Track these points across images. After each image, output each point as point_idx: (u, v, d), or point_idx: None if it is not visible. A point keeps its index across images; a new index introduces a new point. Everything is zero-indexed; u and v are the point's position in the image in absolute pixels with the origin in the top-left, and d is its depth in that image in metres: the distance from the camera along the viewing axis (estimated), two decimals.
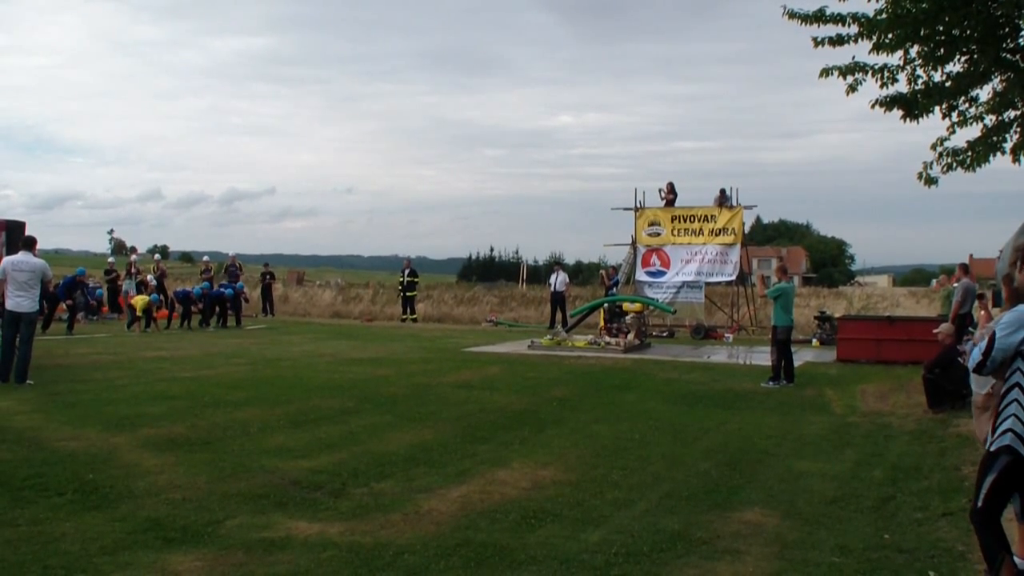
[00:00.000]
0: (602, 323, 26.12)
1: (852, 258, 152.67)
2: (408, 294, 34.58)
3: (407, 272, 34.56)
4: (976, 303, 14.47)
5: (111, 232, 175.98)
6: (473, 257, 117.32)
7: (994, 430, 5.28)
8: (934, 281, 27.10)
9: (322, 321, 29.73)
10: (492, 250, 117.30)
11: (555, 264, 35.72)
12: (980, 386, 7.72)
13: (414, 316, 34.46)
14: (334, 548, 6.60)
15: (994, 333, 5.20)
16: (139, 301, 26.93)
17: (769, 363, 17.31)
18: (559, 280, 31.77)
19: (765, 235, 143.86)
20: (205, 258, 37.97)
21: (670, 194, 30.25)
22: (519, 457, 10.01)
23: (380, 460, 9.64)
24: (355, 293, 43.36)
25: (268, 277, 36.07)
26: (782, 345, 16.69)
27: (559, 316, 31.11)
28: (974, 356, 5.30)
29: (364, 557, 6.40)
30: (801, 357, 21.14)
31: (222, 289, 30.12)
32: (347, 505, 7.86)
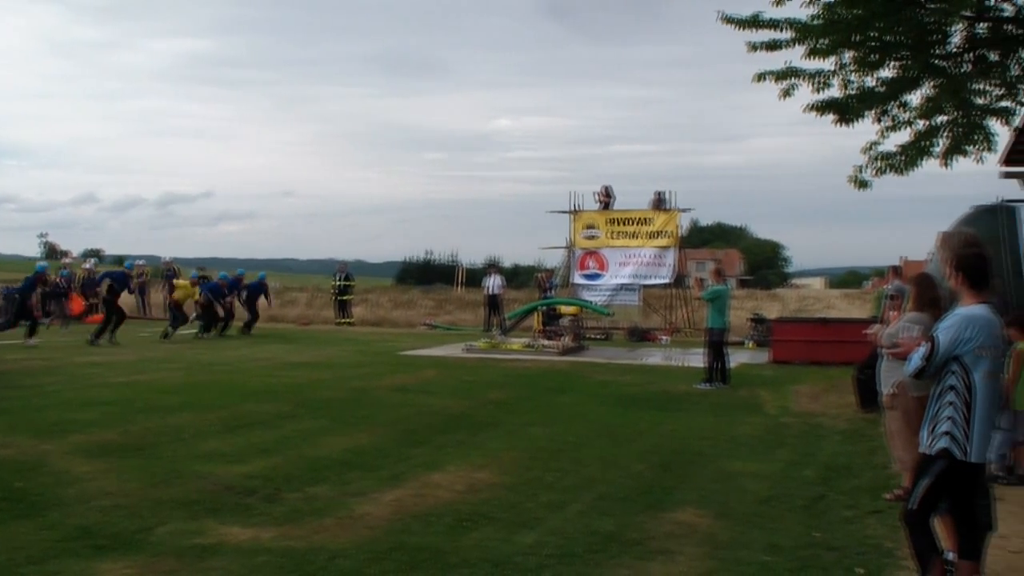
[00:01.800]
0: (538, 326, 26.20)
1: (787, 260, 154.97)
2: (343, 298, 34.41)
3: (342, 276, 34.43)
4: (887, 302, 14.76)
5: (43, 236, 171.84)
6: (410, 260, 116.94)
7: (930, 432, 5.35)
8: (867, 283, 27.56)
9: (258, 325, 29.38)
10: (429, 253, 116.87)
11: (490, 267, 35.50)
12: (916, 389, 7.86)
13: (350, 320, 34.26)
14: (267, 553, 6.56)
15: (936, 339, 5.28)
16: (182, 287, 26.29)
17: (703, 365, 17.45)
18: (495, 283, 31.74)
19: (702, 237, 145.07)
20: (140, 262, 37.42)
21: (606, 197, 30.39)
22: (454, 460, 10.02)
23: (314, 465, 9.60)
24: (291, 297, 43.03)
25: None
26: (716, 347, 16.85)
27: (495, 319, 31.10)
28: (914, 362, 5.34)
29: (297, 562, 6.38)
30: (736, 359, 21.33)
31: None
32: (281, 510, 7.82)
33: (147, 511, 7.66)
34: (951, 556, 5.49)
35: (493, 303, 31.68)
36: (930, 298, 7.82)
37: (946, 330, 5.29)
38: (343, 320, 34.02)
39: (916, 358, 5.35)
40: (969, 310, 5.32)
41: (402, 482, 8.94)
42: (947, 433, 5.26)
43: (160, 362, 19.29)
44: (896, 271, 19.80)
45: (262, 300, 29.85)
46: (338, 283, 34.64)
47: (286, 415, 12.78)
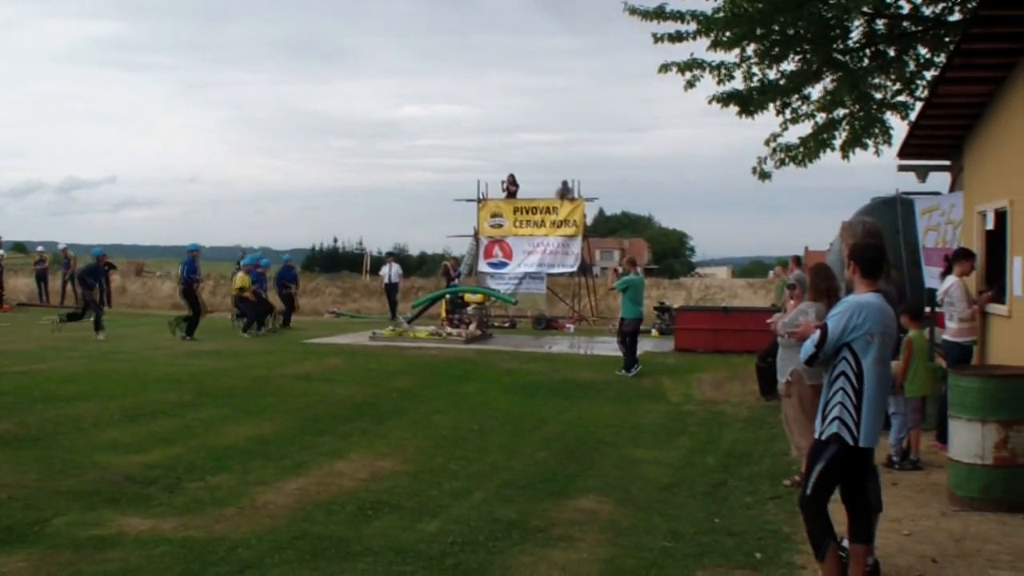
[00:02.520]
0: (444, 314, 26.13)
1: (693, 250, 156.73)
2: None
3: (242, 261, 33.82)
4: (785, 292, 15.02)
5: None
6: (316, 248, 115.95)
7: (823, 418, 5.47)
8: (771, 272, 27.97)
9: (162, 313, 28.83)
10: (336, 241, 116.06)
11: (388, 255, 35.03)
12: (811, 377, 8.04)
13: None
14: (167, 544, 6.48)
15: (826, 326, 5.41)
16: (243, 279, 24.79)
17: (612, 353, 17.63)
18: (393, 271, 31.44)
19: (608, 227, 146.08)
20: (39, 248, 36.37)
21: (512, 186, 30.41)
22: (358, 449, 10.02)
23: (216, 454, 9.52)
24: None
25: (106, 268, 34.71)
26: (628, 336, 16.97)
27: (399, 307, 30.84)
28: (806, 348, 5.48)
29: (198, 552, 6.31)
30: (640, 347, 21.52)
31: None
32: (181, 500, 7.74)
33: (44, 502, 7.50)
34: (846, 543, 5.63)
35: (391, 291, 31.43)
36: (825, 287, 8.02)
37: (836, 317, 5.44)
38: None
39: (808, 345, 5.49)
40: (860, 298, 5.47)
41: (305, 471, 8.91)
42: (838, 418, 5.40)
43: (60, 351, 18.81)
44: (797, 261, 20.13)
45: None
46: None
47: (188, 404, 12.60)
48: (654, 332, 25.68)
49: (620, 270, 17.37)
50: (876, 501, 6.09)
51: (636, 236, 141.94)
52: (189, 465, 8.98)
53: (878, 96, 15.49)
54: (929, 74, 14.87)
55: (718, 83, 15.11)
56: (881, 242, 5.86)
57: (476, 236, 30.08)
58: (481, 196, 30.06)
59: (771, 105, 15.39)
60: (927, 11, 14.73)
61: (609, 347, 21.62)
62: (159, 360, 17.51)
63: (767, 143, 15.78)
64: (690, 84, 15.02)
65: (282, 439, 10.44)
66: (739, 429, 11.81)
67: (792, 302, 9.33)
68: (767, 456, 10.11)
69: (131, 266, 43.70)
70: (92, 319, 21.86)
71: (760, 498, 8.28)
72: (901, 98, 15.47)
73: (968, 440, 7.77)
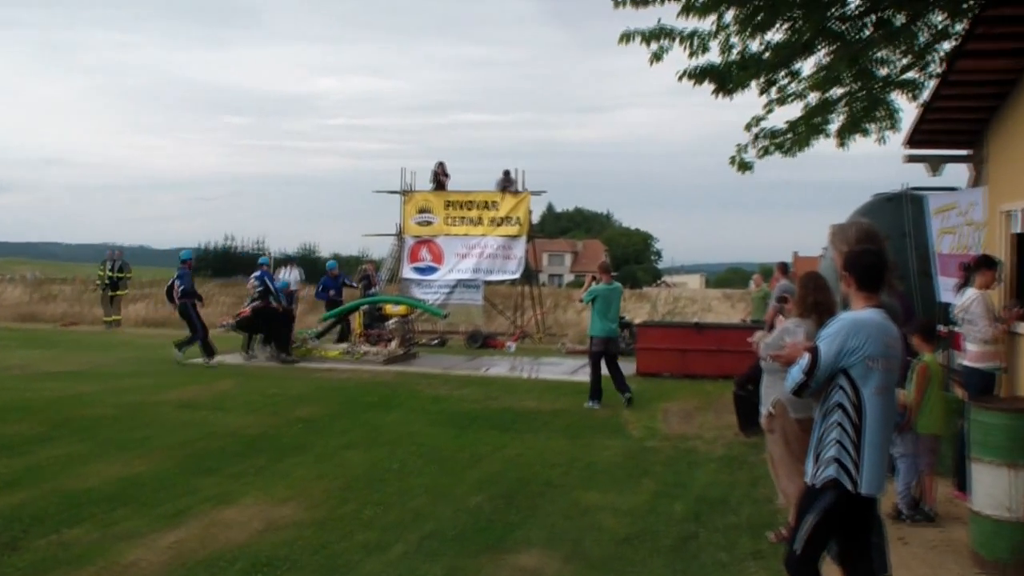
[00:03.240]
0: (359, 329, 25.97)
1: (659, 254, 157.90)
2: (115, 293, 33.14)
3: (114, 265, 33.14)
4: (775, 305, 14.90)
5: None
6: (207, 247, 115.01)
7: (816, 459, 5.38)
8: (751, 282, 28.14)
9: (9, 325, 28.40)
10: (230, 239, 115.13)
11: (287, 260, 34.70)
12: (795, 410, 8.00)
13: (117, 318, 33.07)
14: None
15: (817, 349, 5.32)
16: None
17: (561, 377, 17.53)
18: (293, 277, 31.00)
19: (558, 225, 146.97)
20: None
21: (442, 175, 30.33)
22: (252, 492, 9.88)
23: (74, 500, 9.32)
24: (54, 290, 41.77)
25: None
26: (594, 358, 16.64)
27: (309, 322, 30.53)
28: (793, 376, 5.38)
29: None
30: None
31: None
32: (26, 560, 7.54)
33: None
34: None
35: (288, 302, 30.83)
36: (815, 301, 7.95)
37: (829, 338, 5.35)
38: (111, 319, 32.89)
39: (796, 371, 5.38)
40: (857, 315, 5.40)
41: (185, 520, 8.74)
42: (834, 460, 5.32)
43: None
44: (784, 269, 20.20)
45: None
46: (109, 274, 33.44)
47: (40, 438, 12.38)
48: None
49: (596, 277, 16.99)
50: (880, 561, 6.05)
51: (591, 237, 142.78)
52: (37, 515, 8.77)
53: (882, 73, 15.54)
54: (945, 46, 14.93)
55: (690, 56, 15.03)
56: (880, 247, 5.81)
57: (400, 235, 30.00)
58: (406, 187, 29.99)
59: (753, 83, 15.35)
60: None
61: (558, 369, 21.59)
62: (5, 383, 17.18)
63: (748, 128, 15.79)
64: (656, 57, 14.95)
65: (157, 481, 10.25)
66: (713, 470, 11.77)
67: (780, 319, 9.28)
68: (747, 503, 10.06)
69: None
70: None
71: (738, 555, 8.22)
72: (910, 75, 15.51)
73: (994, 488, 7.71)
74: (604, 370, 16.47)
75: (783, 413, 8.19)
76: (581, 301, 18.55)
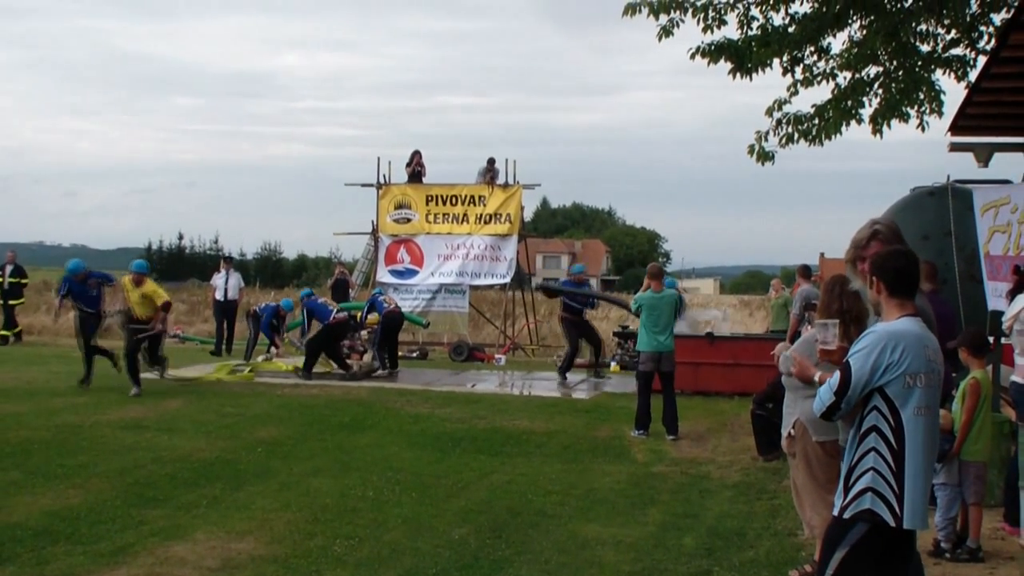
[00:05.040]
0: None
1: (668, 256, 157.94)
2: (12, 302, 31.37)
3: (8, 269, 31.78)
4: (806, 315, 14.75)
5: None
6: (155, 248, 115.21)
7: (846, 490, 5.34)
8: (771, 287, 28.03)
9: None
10: (181, 238, 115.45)
11: (224, 260, 32.60)
12: (818, 432, 7.97)
13: (17, 330, 31.85)
14: None
15: (848, 365, 5.28)
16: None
17: (556, 394, 17.47)
18: (231, 283, 30.00)
19: (554, 224, 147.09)
20: None
21: (418, 166, 30.23)
22: (206, 525, 9.84)
23: None
24: None
25: None
26: (641, 378, 16.18)
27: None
28: (822, 397, 5.35)
29: None
30: (593, 386, 21.56)
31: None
32: None
33: None
34: None
35: (227, 312, 29.93)
36: (840, 309, 7.91)
37: (862, 354, 5.30)
38: (8, 332, 31.21)
39: (824, 392, 5.35)
40: (891, 326, 5.35)
41: (128, 558, 8.70)
42: (869, 490, 5.27)
43: None
44: (806, 273, 20.11)
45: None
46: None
47: None
48: (614, 366, 25.73)
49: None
50: None
51: (591, 237, 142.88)
52: None
53: (925, 48, 15.48)
54: (997, 17, 14.84)
55: (704, 30, 15.05)
56: (907, 246, 5.78)
57: (374, 234, 29.96)
58: (382, 180, 29.94)
59: (776, 61, 15.33)
60: None
61: (554, 385, 21.58)
62: None
63: (770, 112, 15.74)
64: (666, 31, 14.95)
65: (97, 513, 10.19)
66: (728, 499, 11.76)
67: (808, 327, 9.22)
68: (766, 537, 10.03)
69: None
70: None
71: None
72: (957, 51, 15.44)
73: None
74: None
75: (804, 434, 8.16)
76: (629, 310, 18.37)
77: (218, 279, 30.03)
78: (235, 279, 29.97)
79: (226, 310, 29.73)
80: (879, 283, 5.47)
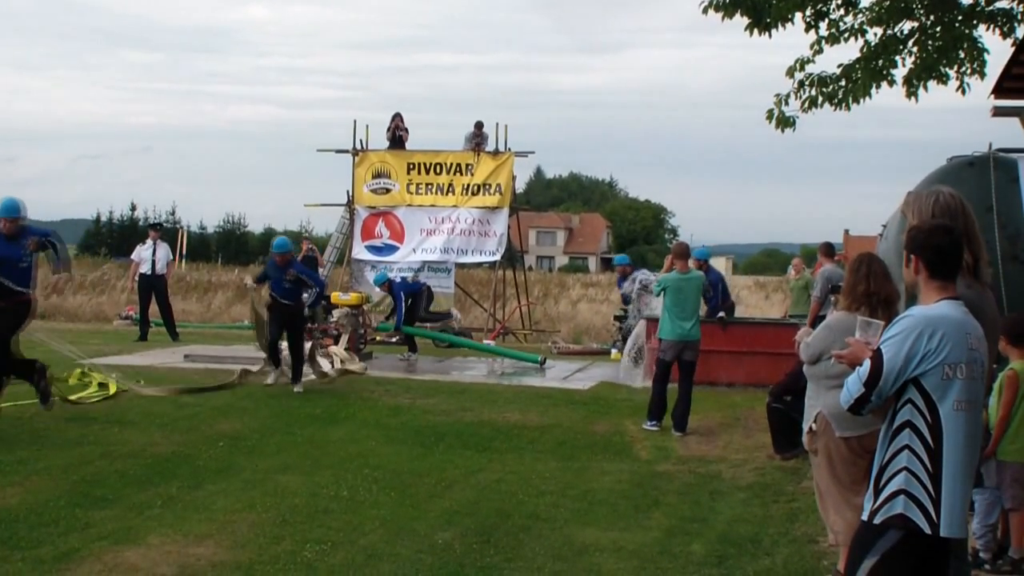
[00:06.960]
0: None
1: (675, 232, 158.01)
2: None
3: None
4: (830, 298, 14.66)
5: None
6: (102, 220, 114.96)
7: (876, 492, 5.29)
8: (790, 267, 28.06)
9: None
10: (134, 209, 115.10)
11: (151, 229, 31.40)
12: (841, 427, 7.94)
13: None
14: None
15: (880, 353, 5.21)
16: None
17: (551, 384, 17.49)
18: (159, 255, 29.09)
19: (549, 196, 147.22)
20: None
21: (399, 130, 30.17)
22: (160, 527, 9.83)
23: None
24: None
25: None
26: (660, 366, 16.37)
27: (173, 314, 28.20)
28: (850, 388, 5.28)
29: None
30: (591, 375, 21.58)
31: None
32: None
33: None
34: None
35: (154, 288, 28.94)
36: (867, 291, 7.88)
37: (895, 340, 5.23)
38: None
39: (853, 382, 5.28)
40: (929, 310, 5.30)
41: (74, 564, 8.69)
42: (903, 492, 5.23)
43: None
44: (828, 251, 20.09)
45: None
46: None
47: None
48: (615, 353, 25.71)
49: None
50: None
51: (590, 211, 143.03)
52: None
53: (966, 1, 15.42)
54: None
55: None
56: (964, 225, 5.73)
57: (350, 206, 29.93)
58: (359, 145, 29.90)
59: (797, 16, 15.29)
60: None
61: (548, 374, 21.59)
62: None
63: (790, 73, 15.71)
64: None
65: (38, 515, 10.16)
66: (741, 501, 11.78)
67: (834, 311, 9.18)
68: (783, 543, 10.05)
69: None
70: None
71: None
72: (1002, 3, 15.35)
73: None
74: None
75: (827, 428, 8.14)
76: (652, 293, 18.33)
77: (144, 251, 28.44)
78: (163, 251, 28.42)
79: (154, 286, 28.16)
80: (917, 261, 5.40)
